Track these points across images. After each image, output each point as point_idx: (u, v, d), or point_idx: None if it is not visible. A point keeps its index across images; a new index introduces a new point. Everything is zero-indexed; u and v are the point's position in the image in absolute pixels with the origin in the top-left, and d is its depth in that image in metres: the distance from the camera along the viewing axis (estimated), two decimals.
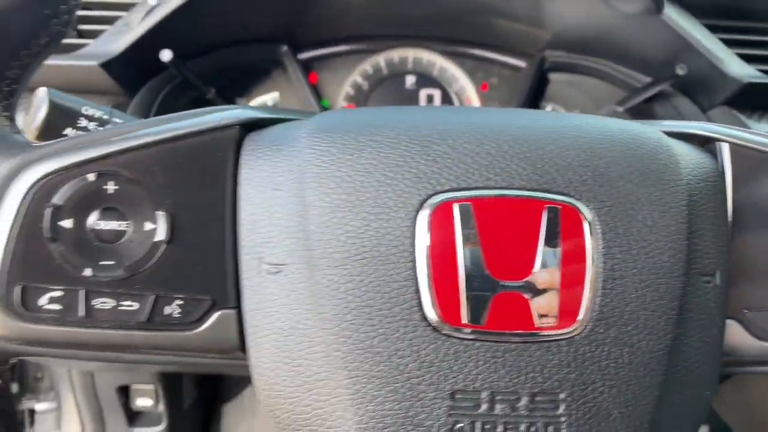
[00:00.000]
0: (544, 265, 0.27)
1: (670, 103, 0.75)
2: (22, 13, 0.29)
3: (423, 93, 0.88)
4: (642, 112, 0.80)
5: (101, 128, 0.42)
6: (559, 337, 0.27)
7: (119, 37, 0.66)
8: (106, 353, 0.31)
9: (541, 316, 0.27)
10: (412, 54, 0.89)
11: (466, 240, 0.27)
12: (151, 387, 1.00)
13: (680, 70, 0.67)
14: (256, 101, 0.86)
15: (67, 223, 0.28)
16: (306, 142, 0.30)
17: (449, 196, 0.27)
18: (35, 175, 0.28)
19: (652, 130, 0.32)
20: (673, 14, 0.68)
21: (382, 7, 0.79)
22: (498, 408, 0.27)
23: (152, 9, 0.67)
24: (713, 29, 0.71)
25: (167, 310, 0.29)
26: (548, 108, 0.88)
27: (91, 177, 0.28)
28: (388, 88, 0.88)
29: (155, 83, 0.70)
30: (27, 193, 0.28)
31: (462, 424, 0.27)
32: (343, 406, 0.27)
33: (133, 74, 0.67)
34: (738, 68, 0.66)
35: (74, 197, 0.28)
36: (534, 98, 0.86)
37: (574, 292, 0.27)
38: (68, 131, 0.44)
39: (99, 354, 0.31)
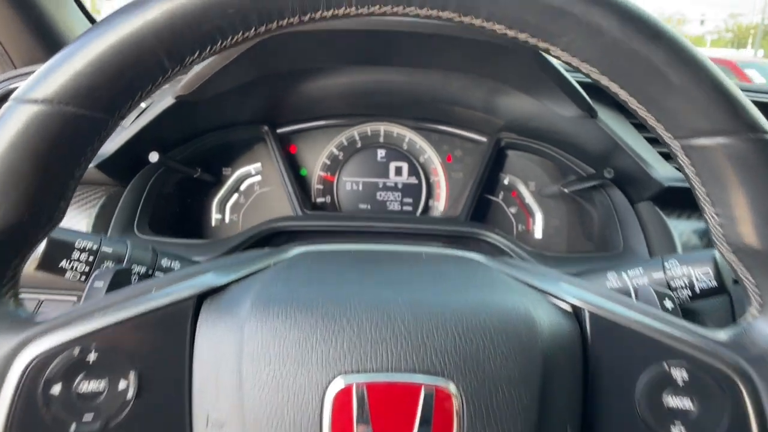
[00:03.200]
0: None
1: (606, 192, 0.83)
2: (21, 228, 0.37)
3: (392, 165, 0.97)
4: (583, 195, 0.88)
5: (88, 296, 0.49)
6: None
7: (112, 137, 0.74)
8: None
9: None
10: (383, 128, 0.98)
11: (360, 417, 0.36)
12: None
13: (607, 174, 0.75)
14: (240, 171, 0.95)
15: (56, 389, 0.37)
16: (246, 319, 0.39)
17: (350, 379, 0.36)
18: (31, 354, 0.36)
19: (523, 310, 0.41)
20: (605, 118, 0.76)
21: (353, 97, 0.88)
22: None
23: (143, 111, 0.76)
24: (641, 127, 0.79)
25: None
26: (506, 179, 0.97)
27: (75, 352, 0.37)
28: (361, 160, 0.97)
29: (146, 171, 0.79)
30: (25, 371, 0.36)
31: None
32: None
33: (124, 169, 0.76)
34: (661, 171, 0.75)
35: (62, 369, 0.37)
36: (493, 170, 0.95)
37: None
38: (63, 263, 0.53)
39: None
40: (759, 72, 7.03)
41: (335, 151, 0.97)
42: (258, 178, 0.96)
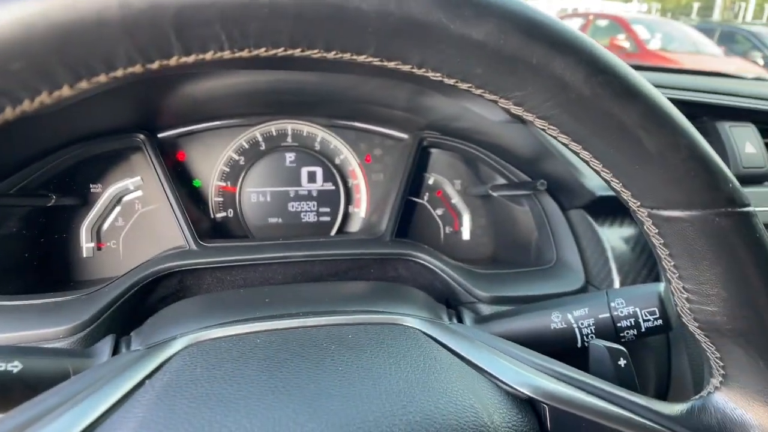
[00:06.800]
0: None
1: (537, 198, 0.77)
2: None
3: (304, 170, 0.84)
4: (513, 199, 0.82)
5: None
6: None
7: None
8: None
9: None
10: (290, 126, 0.84)
11: None
12: None
13: (540, 186, 0.69)
14: (115, 187, 0.78)
15: None
16: None
17: None
18: None
19: (476, 417, 0.33)
20: None
21: (252, 96, 0.73)
22: None
23: None
24: None
25: None
26: (431, 179, 0.88)
27: None
28: (267, 165, 0.83)
29: None
30: None
31: None
32: None
33: None
34: (593, 179, 0.69)
35: None
36: (417, 170, 0.85)
37: None
38: None
39: None
40: (646, 28, 7.51)
41: (235, 156, 0.83)
42: (138, 194, 0.79)
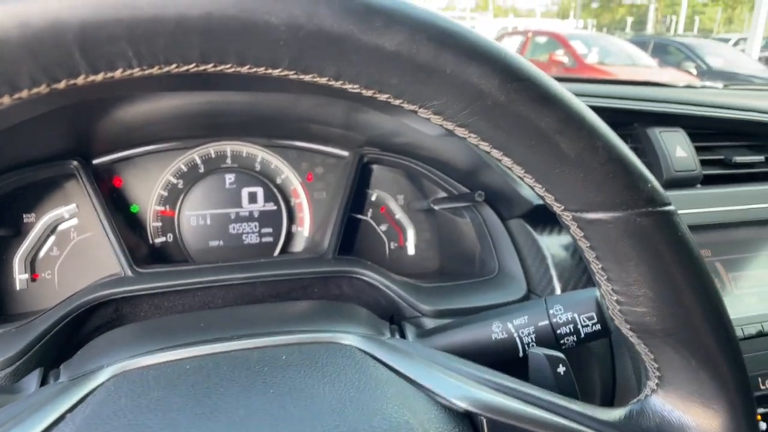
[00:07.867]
0: None
1: (477, 209, 0.80)
2: None
3: (245, 191, 0.84)
4: (455, 212, 0.85)
5: None
6: None
7: None
8: None
9: None
10: (230, 148, 0.84)
11: None
12: None
13: (478, 198, 0.72)
14: (49, 216, 0.75)
15: None
16: None
17: None
18: None
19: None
20: None
21: (187, 118, 0.73)
22: None
23: None
24: None
25: None
26: (374, 195, 0.90)
27: None
28: (206, 188, 0.82)
29: None
30: None
31: None
32: None
33: None
34: (529, 189, 0.72)
35: None
36: (359, 186, 0.86)
37: None
38: None
39: None
40: (583, 43, 7.90)
41: (173, 180, 0.82)
42: (74, 222, 0.77)
